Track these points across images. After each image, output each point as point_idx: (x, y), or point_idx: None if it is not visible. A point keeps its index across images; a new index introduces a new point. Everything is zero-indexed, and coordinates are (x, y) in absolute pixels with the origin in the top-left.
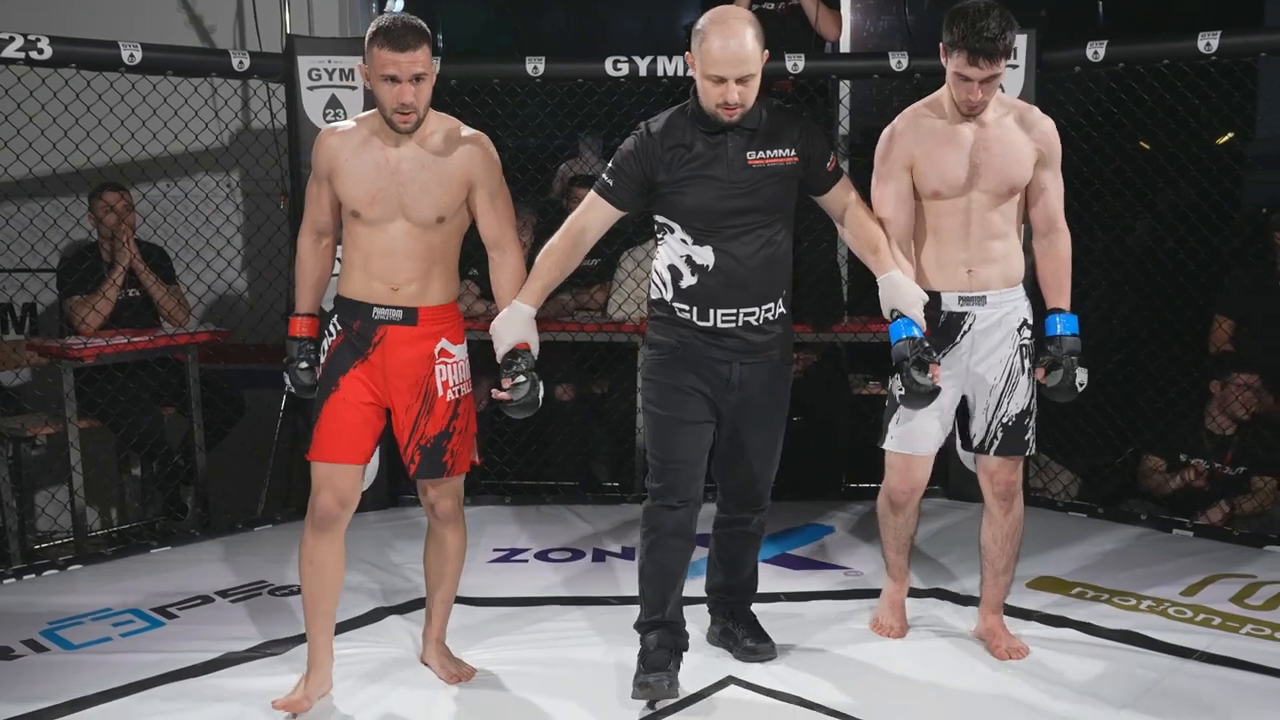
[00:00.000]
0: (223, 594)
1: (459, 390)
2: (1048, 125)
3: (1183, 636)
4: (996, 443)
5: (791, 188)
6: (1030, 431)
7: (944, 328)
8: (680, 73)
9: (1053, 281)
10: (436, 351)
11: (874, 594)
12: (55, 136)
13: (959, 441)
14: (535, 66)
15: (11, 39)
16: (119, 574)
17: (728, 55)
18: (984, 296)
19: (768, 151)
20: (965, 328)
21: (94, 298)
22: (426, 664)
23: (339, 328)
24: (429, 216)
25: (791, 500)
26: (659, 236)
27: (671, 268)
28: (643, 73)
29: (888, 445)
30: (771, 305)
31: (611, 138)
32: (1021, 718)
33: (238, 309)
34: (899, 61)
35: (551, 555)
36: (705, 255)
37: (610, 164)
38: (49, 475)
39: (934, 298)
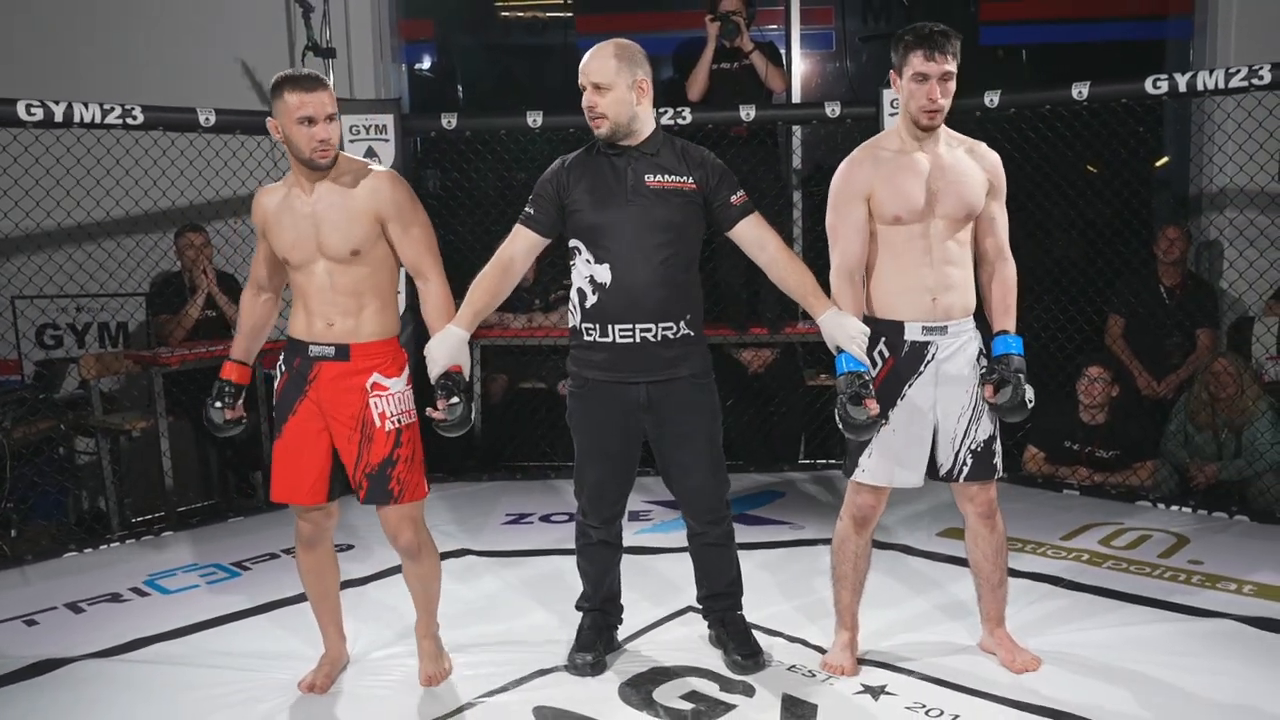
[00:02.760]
0: (287, 551)
1: (398, 420)
2: (995, 158)
3: (1054, 569)
4: (966, 469)
5: (691, 215)
6: (997, 455)
7: (907, 358)
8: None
9: (1000, 306)
10: (369, 385)
11: (810, 543)
12: (146, 186)
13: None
14: (535, 119)
15: (113, 109)
16: (203, 538)
17: (585, 65)
18: (945, 326)
19: (666, 176)
20: (929, 357)
21: (179, 317)
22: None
23: (284, 368)
24: (343, 251)
25: (754, 471)
26: (571, 262)
27: (579, 290)
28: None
29: (860, 478)
30: (672, 325)
31: None
32: (921, 613)
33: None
34: (833, 109)
35: (553, 518)
36: (604, 274)
37: (531, 194)
38: (142, 461)
39: (897, 327)
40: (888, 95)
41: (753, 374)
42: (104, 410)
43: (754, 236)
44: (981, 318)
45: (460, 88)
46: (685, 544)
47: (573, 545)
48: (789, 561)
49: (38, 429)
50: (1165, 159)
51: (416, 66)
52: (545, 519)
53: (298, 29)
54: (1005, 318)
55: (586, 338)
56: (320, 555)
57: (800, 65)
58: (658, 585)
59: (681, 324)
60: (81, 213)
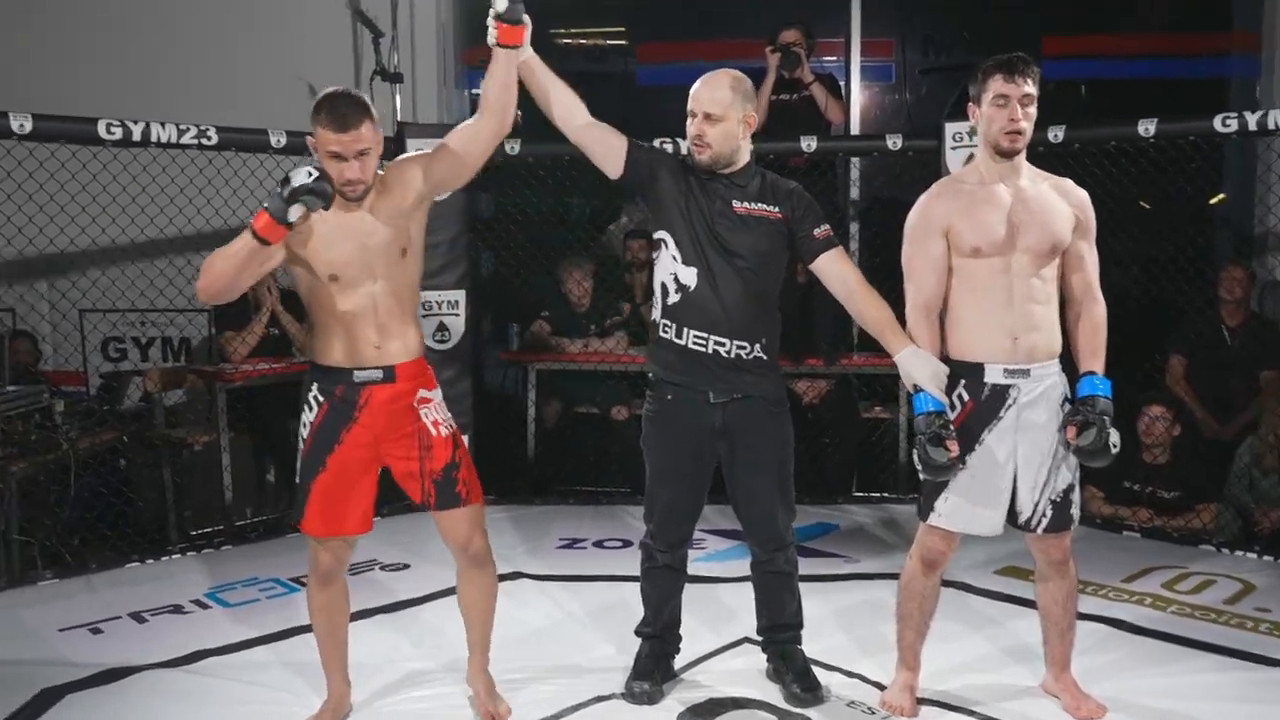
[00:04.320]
0: None
1: (449, 424)
2: (1083, 195)
3: (1117, 613)
4: (1045, 520)
5: (777, 244)
6: (1076, 504)
7: (988, 402)
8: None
9: (1087, 347)
10: (416, 400)
11: (866, 577)
12: (217, 205)
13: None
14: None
15: (188, 129)
16: (261, 553)
17: (698, 93)
18: (1028, 369)
19: (753, 204)
20: (1010, 401)
21: (244, 333)
22: (471, 688)
23: (321, 399)
24: (395, 253)
25: (808, 503)
26: (655, 253)
27: (663, 285)
28: (684, 150)
29: (934, 522)
30: (746, 345)
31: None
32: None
33: None
34: (894, 142)
35: (607, 544)
36: (689, 276)
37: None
38: (203, 475)
39: (976, 369)
40: (950, 129)
41: (807, 405)
42: (167, 424)
43: (835, 270)
44: (1067, 362)
45: (520, 113)
46: (741, 573)
47: (628, 572)
48: (845, 595)
49: (102, 440)
50: (1222, 195)
51: (473, 91)
52: (599, 545)
53: (364, 53)
54: (1093, 359)
55: (662, 334)
56: (335, 592)
57: (859, 97)
58: (715, 614)
59: (756, 347)
60: (154, 229)
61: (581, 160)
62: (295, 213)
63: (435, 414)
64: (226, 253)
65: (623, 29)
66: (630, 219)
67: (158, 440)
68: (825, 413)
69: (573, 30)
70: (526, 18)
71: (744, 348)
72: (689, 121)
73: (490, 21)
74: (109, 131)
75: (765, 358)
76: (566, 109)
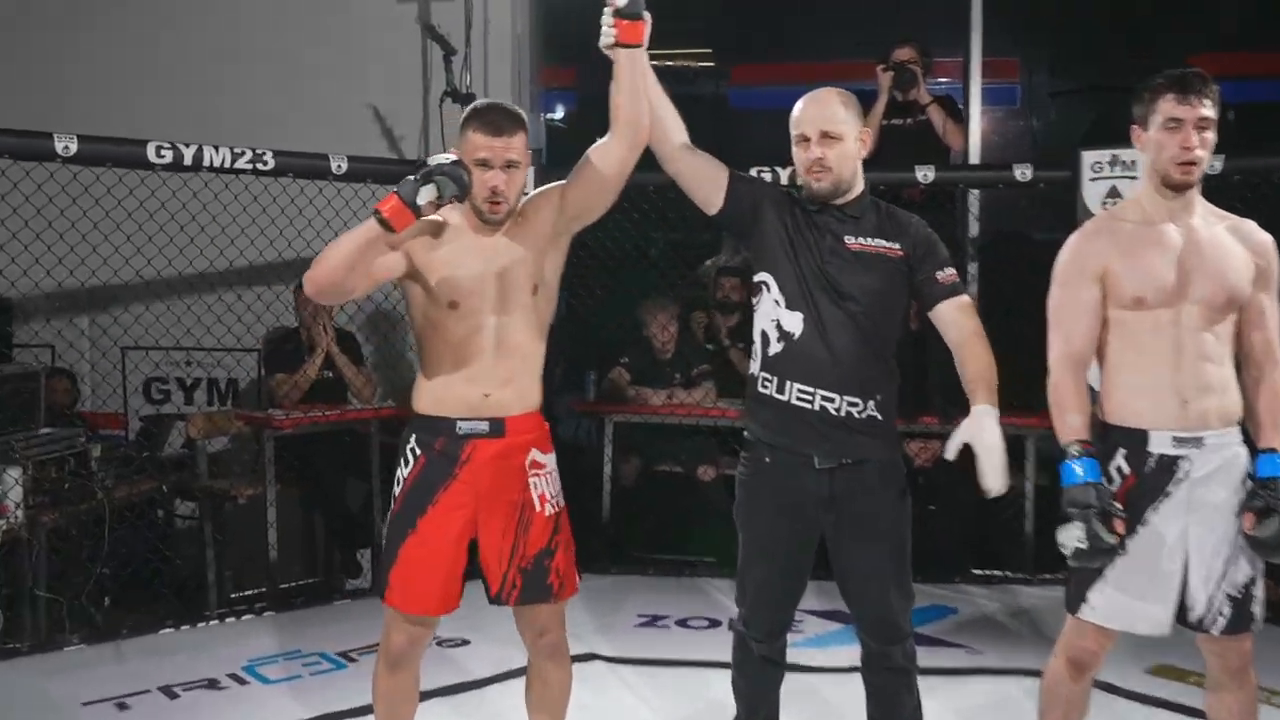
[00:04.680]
0: None
1: (556, 503)
2: (1266, 239)
3: None
4: (1222, 620)
5: (895, 285)
6: (1258, 601)
7: (1153, 475)
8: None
9: (1269, 417)
10: (527, 463)
11: (993, 672)
12: (272, 235)
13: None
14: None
15: (243, 152)
16: (307, 621)
17: (809, 113)
18: (1201, 438)
19: (869, 240)
20: (1180, 475)
21: (296, 376)
22: None
23: (419, 451)
24: (526, 287)
25: (920, 581)
26: (755, 298)
27: (763, 333)
28: (785, 180)
29: (1086, 615)
30: (859, 402)
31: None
32: None
33: (409, 385)
34: (1023, 172)
35: (691, 623)
36: (794, 322)
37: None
38: (246, 530)
39: (1139, 437)
40: (1088, 158)
41: (919, 469)
42: (210, 473)
43: (954, 320)
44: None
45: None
46: (847, 662)
47: (716, 658)
48: (968, 692)
49: (139, 489)
50: None
51: (547, 115)
52: (682, 624)
53: (434, 73)
54: (1275, 433)
55: (761, 389)
56: (404, 679)
57: (978, 122)
58: (818, 711)
59: (870, 404)
60: (204, 261)
61: (668, 187)
62: (426, 194)
63: (545, 486)
64: (344, 239)
65: (711, 50)
66: (727, 255)
67: (199, 491)
68: (940, 478)
69: (660, 51)
70: (647, 13)
71: (855, 404)
72: (798, 148)
73: (607, 20)
74: (158, 155)
75: (880, 417)
76: (665, 127)
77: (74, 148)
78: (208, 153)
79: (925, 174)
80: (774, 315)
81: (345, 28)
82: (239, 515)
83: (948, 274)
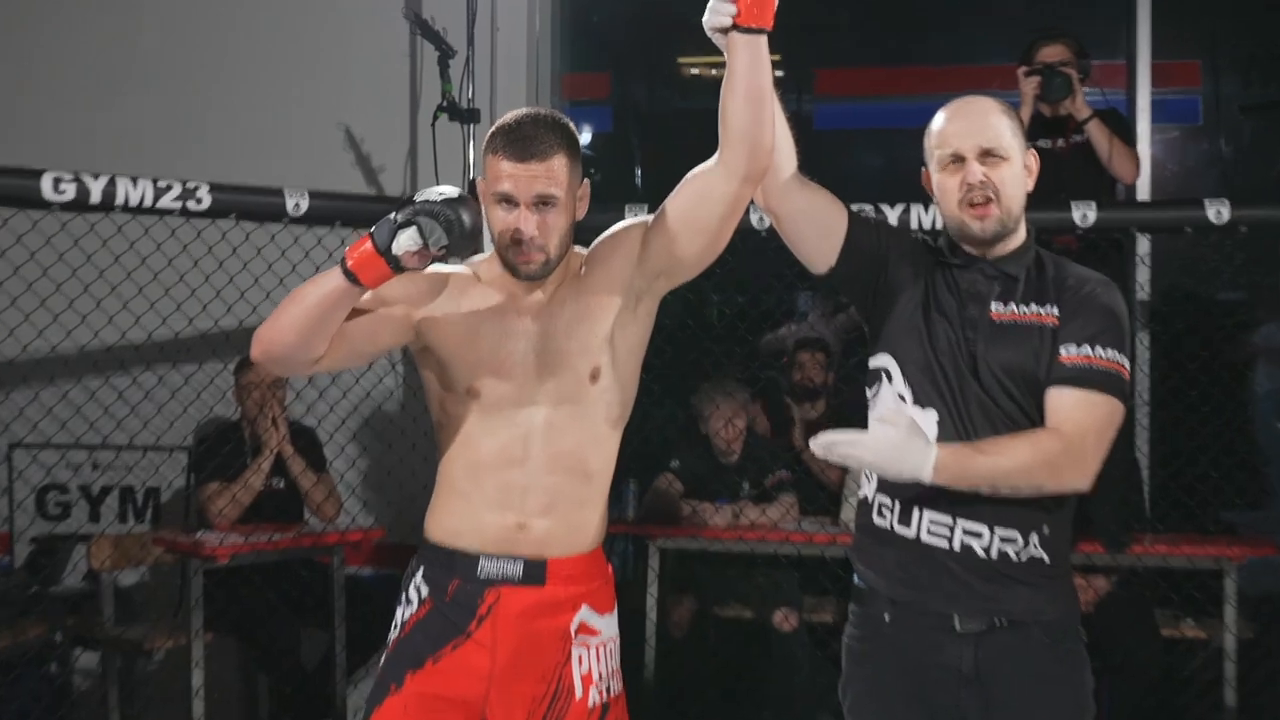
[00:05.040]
0: None
1: (608, 687)
2: None
3: None
4: None
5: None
6: None
7: None
8: (931, 224)
9: None
10: (574, 627)
11: None
12: (205, 298)
13: None
14: (760, 218)
15: (170, 187)
16: None
17: (961, 124)
18: None
19: (1021, 305)
20: None
21: (234, 486)
22: None
23: (425, 591)
24: (582, 371)
25: None
26: (871, 389)
27: None
28: (893, 220)
29: None
30: (1017, 536)
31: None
32: None
33: (396, 502)
34: (1218, 211)
35: None
36: (927, 424)
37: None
38: (165, 692)
39: None
40: None
41: (1083, 613)
42: (117, 617)
43: (1061, 412)
44: None
45: (639, 171)
46: None
47: None
48: None
49: (25, 635)
50: None
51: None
52: None
53: (425, 82)
54: None
55: (877, 519)
56: None
57: (1148, 144)
58: None
59: (1032, 538)
60: (113, 331)
61: (750, 232)
62: (406, 241)
63: (595, 662)
64: (306, 289)
65: (787, 54)
66: (818, 313)
67: (104, 641)
68: (1106, 623)
69: (715, 59)
70: None
71: (1012, 541)
72: (944, 173)
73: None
74: (57, 190)
75: (1046, 558)
76: (779, 152)
77: None
78: (123, 187)
79: (1085, 214)
80: (893, 411)
81: (308, 22)
82: (156, 674)
83: (1079, 354)
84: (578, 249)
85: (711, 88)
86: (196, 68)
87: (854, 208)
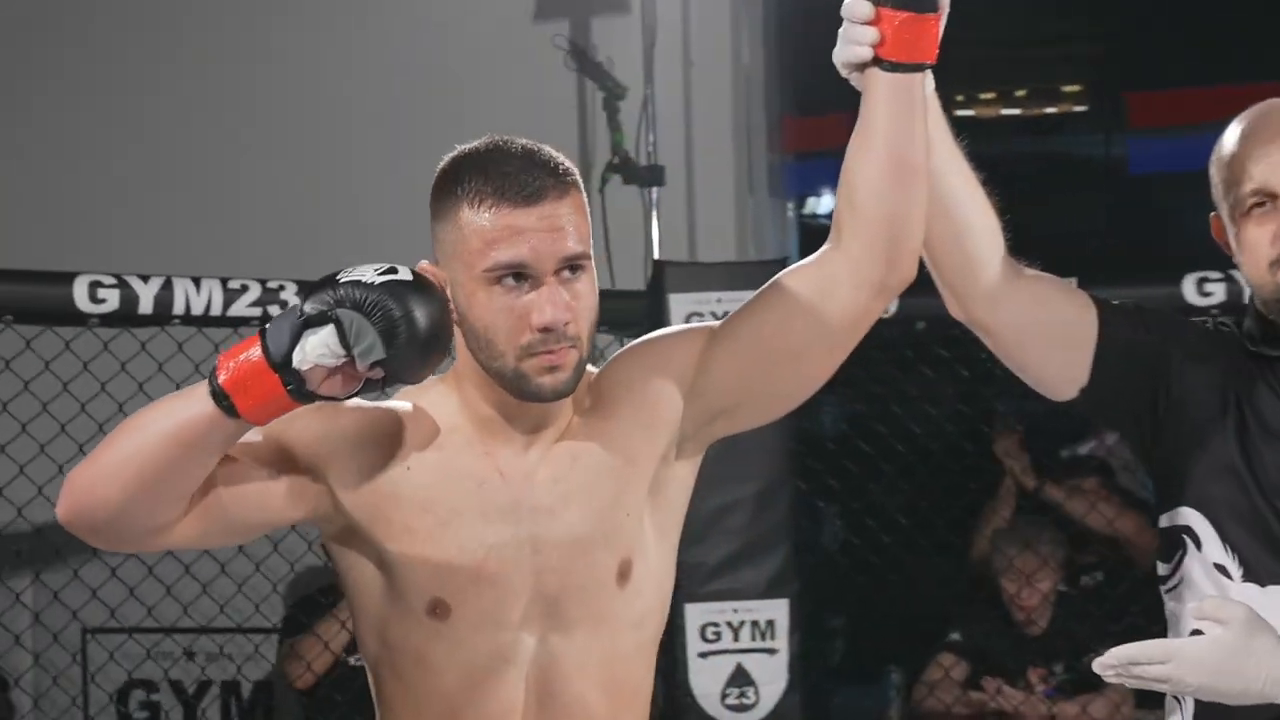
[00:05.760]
0: None
1: None
2: None
3: None
4: None
5: None
6: None
7: None
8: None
9: None
10: None
11: None
12: None
13: None
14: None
15: (244, 288)
16: None
17: (1269, 147)
18: None
19: None
20: None
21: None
22: None
23: None
24: (604, 566)
25: None
26: (1169, 565)
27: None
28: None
29: None
30: None
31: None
32: None
33: None
34: None
35: None
36: (1272, 609)
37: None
38: None
39: None
40: None
41: None
42: None
43: None
44: None
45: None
46: None
47: None
48: None
49: None
50: None
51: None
52: None
53: (596, 134)
54: None
55: None
56: None
57: None
58: None
59: None
60: None
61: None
62: (317, 350)
63: None
64: (145, 417)
65: (1079, 88)
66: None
67: None
68: None
69: (986, 94)
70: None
71: None
72: (1247, 221)
73: (858, 9)
74: (95, 299)
75: None
76: (973, 241)
77: None
78: (181, 290)
79: None
80: (1210, 589)
81: (434, 65)
82: None
83: None
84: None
85: (998, 129)
86: (278, 135)
87: (1108, 300)
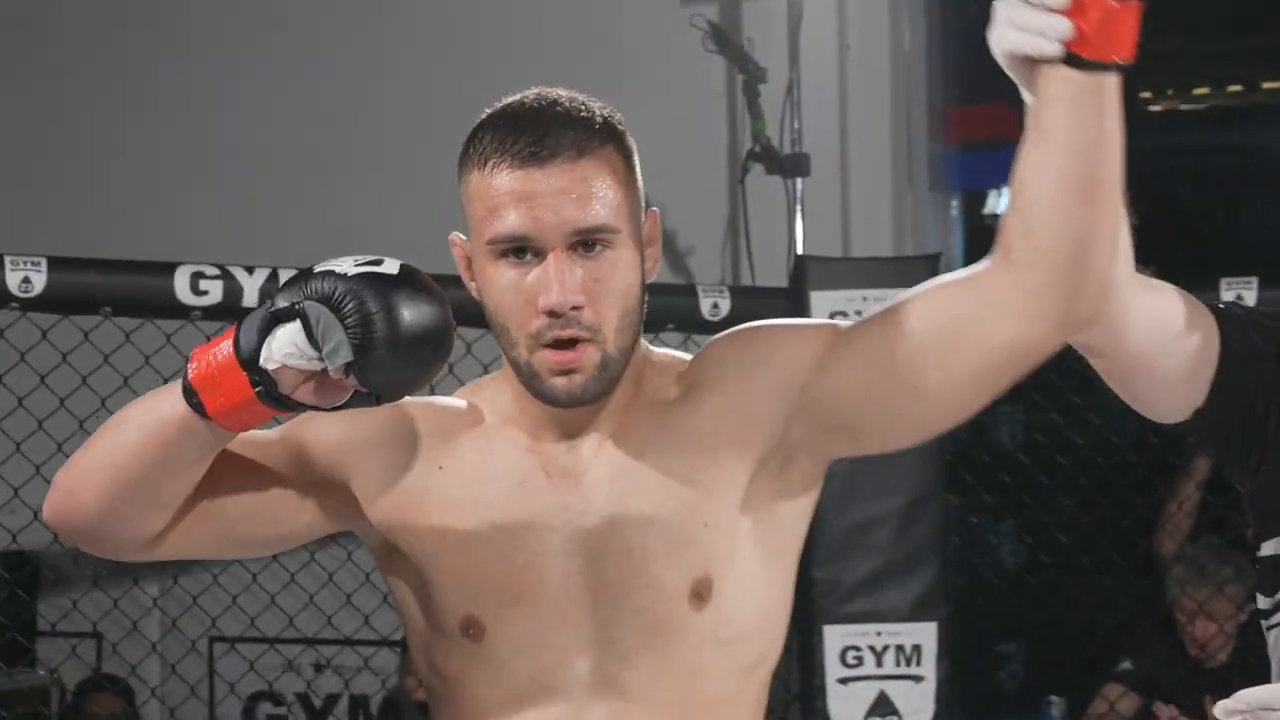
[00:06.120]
0: None
1: None
2: None
3: None
4: None
5: None
6: None
7: None
8: None
9: None
10: None
11: None
12: None
13: None
14: (1240, 292)
15: None
16: None
17: None
18: None
19: None
20: None
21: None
22: None
23: None
24: (673, 583)
25: None
26: (1271, 605)
27: None
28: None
29: None
30: None
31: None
32: None
33: None
34: None
35: None
36: None
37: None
38: None
39: None
40: None
41: None
42: None
43: None
44: None
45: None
46: None
47: None
48: None
49: None
50: None
51: (988, 207)
52: None
53: (740, 118)
54: None
55: None
56: None
57: None
58: None
59: None
60: None
61: None
62: (283, 347)
63: None
64: (126, 415)
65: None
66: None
67: None
68: None
69: (1167, 79)
70: None
71: None
72: None
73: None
74: (196, 289)
75: None
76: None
77: (40, 282)
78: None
79: None
80: None
81: (578, 51)
82: None
83: None
84: (658, 351)
85: (1184, 122)
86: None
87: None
